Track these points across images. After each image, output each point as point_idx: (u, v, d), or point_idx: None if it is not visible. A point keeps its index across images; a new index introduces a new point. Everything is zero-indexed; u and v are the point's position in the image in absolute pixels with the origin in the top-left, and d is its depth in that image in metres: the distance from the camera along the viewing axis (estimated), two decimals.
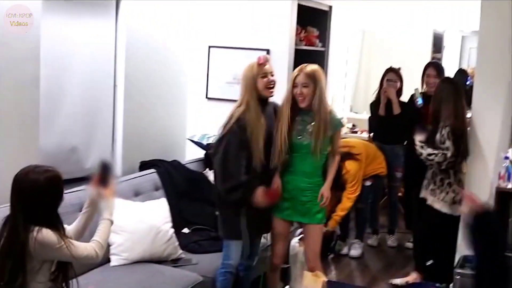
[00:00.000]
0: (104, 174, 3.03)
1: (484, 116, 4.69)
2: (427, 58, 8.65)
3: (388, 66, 6.08)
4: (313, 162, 3.91)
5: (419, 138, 4.87)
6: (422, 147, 4.81)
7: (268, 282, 4.29)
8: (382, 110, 5.79)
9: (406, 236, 6.41)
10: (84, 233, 3.08)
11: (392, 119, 5.76)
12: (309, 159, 3.89)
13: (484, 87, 4.68)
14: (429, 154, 4.76)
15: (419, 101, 5.54)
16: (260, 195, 3.79)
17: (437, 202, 4.90)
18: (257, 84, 3.84)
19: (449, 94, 4.78)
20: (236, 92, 5.33)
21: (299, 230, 4.65)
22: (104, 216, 2.99)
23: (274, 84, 3.89)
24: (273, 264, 4.21)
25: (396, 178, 6.08)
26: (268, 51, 5.37)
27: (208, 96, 5.70)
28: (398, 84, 5.93)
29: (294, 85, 3.86)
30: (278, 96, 4.00)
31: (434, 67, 5.65)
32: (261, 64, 3.86)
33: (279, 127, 3.85)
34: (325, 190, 3.95)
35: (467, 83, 6.17)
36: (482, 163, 4.71)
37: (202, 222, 4.66)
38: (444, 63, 9.05)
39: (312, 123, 3.85)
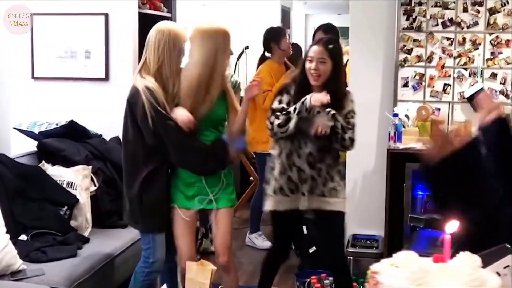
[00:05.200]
0: None
1: (362, 76, 4.70)
2: None
3: None
4: None
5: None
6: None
7: None
8: None
9: None
10: None
11: None
12: None
13: (360, 48, 4.70)
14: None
15: None
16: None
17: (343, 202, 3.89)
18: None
19: None
20: (69, 68, 4.91)
21: None
22: None
23: None
24: None
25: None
26: (106, 15, 4.94)
27: (35, 75, 5.11)
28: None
29: None
30: None
31: (323, 30, 5.28)
32: None
33: None
34: None
35: None
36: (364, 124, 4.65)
37: (43, 225, 4.15)
38: (293, 40, 9.15)
39: None
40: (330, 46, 3.71)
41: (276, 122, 3.69)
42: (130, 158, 3.63)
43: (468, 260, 1.74)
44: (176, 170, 3.66)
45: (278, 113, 3.70)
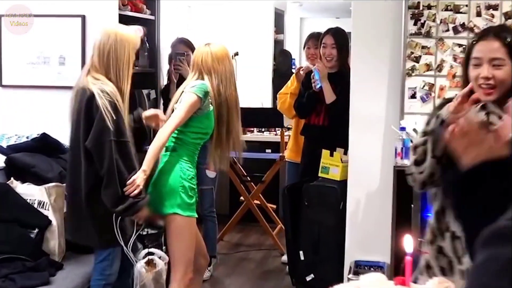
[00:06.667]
0: None
1: (365, 86, 4.55)
2: (269, 39, 8.57)
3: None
4: None
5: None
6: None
7: None
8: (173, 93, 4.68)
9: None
10: None
11: None
12: None
13: (363, 55, 4.53)
14: None
15: (318, 83, 4.86)
16: None
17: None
18: None
19: None
20: (42, 75, 4.84)
21: (144, 252, 4.07)
22: None
23: None
24: None
25: (207, 180, 5.25)
26: (83, 17, 4.87)
27: (3, 83, 5.05)
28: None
29: None
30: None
31: (332, 34, 5.04)
32: None
33: None
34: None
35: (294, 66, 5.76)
36: (368, 139, 4.58)
37: (12, 250, 4.08)
38: (287, 46, 9.06)
39: None
40: (509, 39, 2.40)
41: (413, 158, 2.55)
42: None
43: (440, 285, 1.70)
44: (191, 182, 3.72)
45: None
